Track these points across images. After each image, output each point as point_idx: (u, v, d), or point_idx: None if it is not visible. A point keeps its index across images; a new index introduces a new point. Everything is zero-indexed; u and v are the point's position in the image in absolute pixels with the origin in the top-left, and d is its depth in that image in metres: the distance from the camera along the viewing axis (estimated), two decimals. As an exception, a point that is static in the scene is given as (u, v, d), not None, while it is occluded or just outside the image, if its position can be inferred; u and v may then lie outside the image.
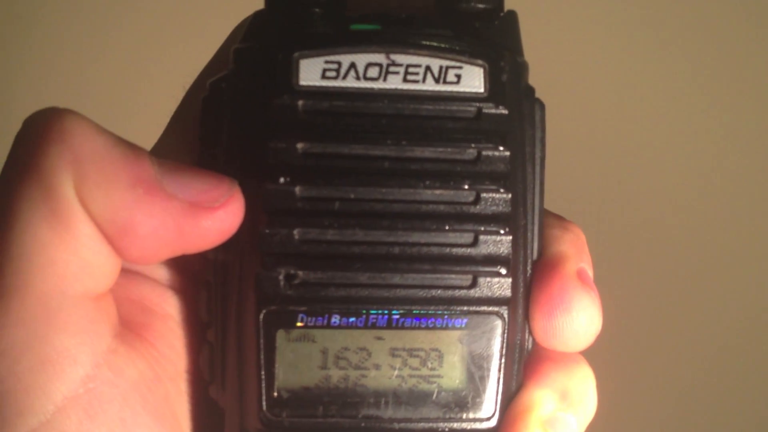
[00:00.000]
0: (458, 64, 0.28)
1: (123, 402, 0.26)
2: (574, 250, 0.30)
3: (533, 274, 0.30)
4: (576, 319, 0.29)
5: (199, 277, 0.29)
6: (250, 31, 0.29)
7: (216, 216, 0.27)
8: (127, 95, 0.73)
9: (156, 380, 0.28)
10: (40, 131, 0.25)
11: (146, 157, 0.26)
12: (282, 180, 0.27)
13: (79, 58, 0.75)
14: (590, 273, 0.29)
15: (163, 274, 0.30)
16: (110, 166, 0.25)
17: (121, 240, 0.25)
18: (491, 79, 0.29)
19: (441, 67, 0.28)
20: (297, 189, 0.28)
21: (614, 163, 0.90)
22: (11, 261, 0.24)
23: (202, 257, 0.29)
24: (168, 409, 0.28)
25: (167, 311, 0.29)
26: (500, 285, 0.28)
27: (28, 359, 0.24)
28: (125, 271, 0.28)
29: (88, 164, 0.25)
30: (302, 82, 0.28)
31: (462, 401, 0.29)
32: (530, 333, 0.30)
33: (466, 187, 0.28)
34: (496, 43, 0.29)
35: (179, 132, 0.30)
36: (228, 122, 0.28)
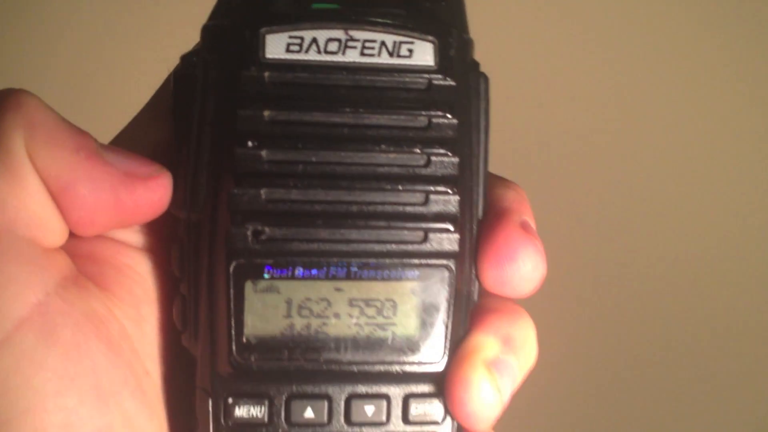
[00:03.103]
0: (410, 39, 0.32)
1: (76, 329, 0.29)
2: (517, 206, 0.33)
3: (480, 229, 0.33)
4: (522, 266, 0.32)
5: (171, 237, 0.32)
6: (217, 9, 0.33)
7: (148, 186, 0.31)
8: (112, 82, 0.75)
9: (111, 318, 0.31)
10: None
11: (88, 134, 0.30)
12: (250, 144, 0.31)
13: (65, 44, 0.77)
14: (533, 225, 0.33)
15: (133, 237, 0.33)
16: (57, 132, 0.29)
17: (64, 196, 0.29)
18: (440, 53, 0.32)
19: (395, 42, 0.31)
20: (264, 153, 0.31)
21: (601, 159, 0.91)
22: None
23: (175, 219, 0.32)
24: (126, 345, 0.31)
25: (130, 266, 0.33)
26: (449, 240, 0.32)
27: None
28: (99, 236, 0.32)
29: (37, 128, 0.29)
30: (268, 56, 0.31)
31: (414, 346, 0.32)
32: (478, 284, 0.33)
33: (418, 151, 0.31)
34: (445, 21, 0.33)
35: (153, 106, 0.34)
36: (200, 93, 0.31)
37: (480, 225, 0.33)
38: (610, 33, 0.88)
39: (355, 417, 0.32)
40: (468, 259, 0.33)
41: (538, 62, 0.86)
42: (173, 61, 0.32)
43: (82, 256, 0.31)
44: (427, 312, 0.32)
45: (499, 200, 0.33)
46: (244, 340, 0.31)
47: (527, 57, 0.86)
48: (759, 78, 0.89)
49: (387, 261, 0.32)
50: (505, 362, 0.32)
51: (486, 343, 0.32)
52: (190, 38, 0.34)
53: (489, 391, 0.32)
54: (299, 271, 0.31)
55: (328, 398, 0.32)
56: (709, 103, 0.89)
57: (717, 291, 0.94)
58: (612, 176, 0.91)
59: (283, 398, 0.32)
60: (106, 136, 0.33)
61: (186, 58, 0.32)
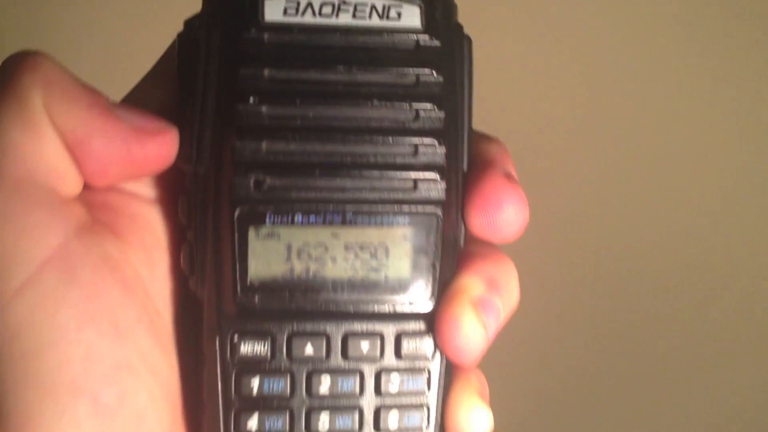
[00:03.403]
0: (398, 3, 0.34)
1: (93, 270, 0.32)
2: (500, 157, 0.36)
3: (468, 179, 0.35)
4: (507, 212, 0.35)
5: (178, 188, 0.35)
6: None
7: (157, 140, 0.33)
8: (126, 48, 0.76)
9: (124, 261, 0.33)
10: (17, 63, 0.31)
11: (101, 92, 0.33)
12: (251, 101, 0.33)
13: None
14: (515, 176, 0.36)
15: (143, 189, 0.36)
16: (72, 90, 0.32)
17: (79, 149, 0.32)
18: (427, 16, 0.34)
19: (384, 6, 0.34)
20: (264, 108, 0.33)
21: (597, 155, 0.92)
22: None
23: (181, 171, 0.35)
24: (139, 287, 0.34)
25: (141, 215, 0.35)
26: (436, 189, 0.34)
27: (9, 229, 0.30)
28: (113, 188, 0.34)
29: (54, 87, 0.31)
30: (267, 19, 0.33)
31: (405, 288, 0.35)
32: (464, 230, 0.36)
33: (407, 106, 0.34)
34: None
35: (159, 68, 0.36)
36: (203, 54, 0.34)
37: (467, 176, 0.36)
38: (607, 29, 0.88)
39: (352, 353, 0.35)
40: (454, 207, 0.35)
41: (537, 59, 0.88)
42: (177, 26, 0.35)
43: (96, 206, 0.34)
44: (417, 256, 0.35)
45: (483, 153, 0.36)
46: (248, 282, 0.34)
47: (526, 54, 0.88)
48: (755, 76, 0.90)
49: (379, 208, 0.34)
50: (489, 302, 0.35)
51: (472, 284, 0.35)
52: (193, 5, 0.36)
53: (475, 327, 0.34)
54: (298, 217, 0.34)
55: (326, 336, 0.35)
56: (706, 100, 0.90)
57: (706, 266, 0.96)
58: (606, 167, 0.92)
59: (285, 336, 0.34)
60: (116, 96, 0.35)
61: (189, 23, 0.34)
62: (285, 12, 0.34)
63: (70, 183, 0.32)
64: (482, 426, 0.36)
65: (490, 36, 0.82)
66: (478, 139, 0.37)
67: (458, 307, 0.35)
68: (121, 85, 0.37)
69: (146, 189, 0.35)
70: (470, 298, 0.35)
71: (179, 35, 0.35)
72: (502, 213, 0.35)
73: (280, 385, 0.35)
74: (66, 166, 0.32)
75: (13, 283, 0.30)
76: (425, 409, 0.36)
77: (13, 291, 0.30)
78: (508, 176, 0.35)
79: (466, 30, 0.36)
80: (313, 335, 0.35)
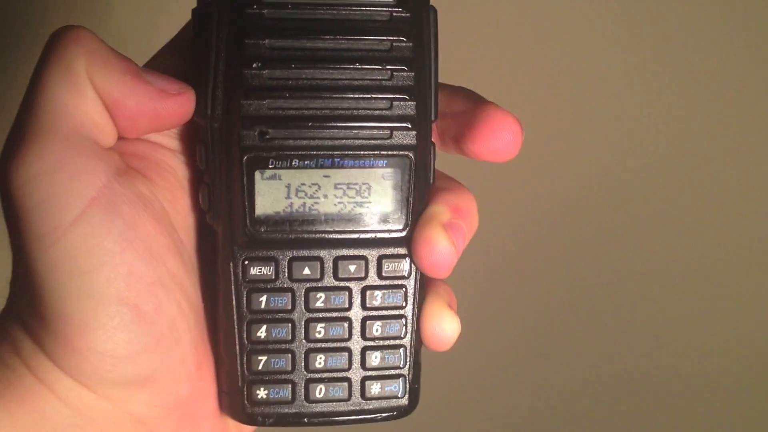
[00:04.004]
0: None
1: (131, 205, 0.38)
2: (477, 96, 0.43)
3: (460, 117, 0.42)
4: (508, 133, 0.41)
5: (196, 139, 0.41)
6: None
7: (178, 99, 0.39)
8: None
9: (154, 199, 0.39)
10: (64, 36, 0.37)
11: (131, 60, 0.39)
12: (254, 66, 0.39)
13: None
14: None
15: (166, 140, 0.42)
16: (109, 59, 0.38)
17: (115, 107, 0.38)
18: None
19: None
20: (265, 72, 0.39)
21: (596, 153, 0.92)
22: (45, 113, 0.37)
23: (197, 125, 0.41)
24: (166, 219, 0.40)
25: (165, 161, 0.41)
26: (408, 136, 0.40)
27: (63, 173, 0.36)
28: (141, 140, 0.41)
29: (95, 55, 0.37)
30: None
31: (385, 218, 0.42)
32: (433, 170, 0.42)
33: (383, 68, 0.40)
34: None
35: (178, 39, 0.42)
36: (215, 27, 0.39)
37: (461, 114, 0.42)
38: (606, 27, 0.88)
39: (341, 274, 0.42)
40: (424, 150, 0.41)
41: (535, 57, 0.88)
42: (192, 3, 0.41)
43: (128, 154, 0.40)
44: (394, 191, 0.41)
45: (466, 95, 0.43)
46: (255, 216, 0.40)
47: (525, 52, 0.88)
48: (750, 75, 0.90)
49: (362, 153, 0.41)
50: (456, 224, 0.42)
51: (441, 211, 0.42)
52: None
53: (446, 245, 0.41)
54: (295, 162, 0.40)
55: (320, 260, 0.42)
56: (704, 97, 0.91)
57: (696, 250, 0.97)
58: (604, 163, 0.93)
59: (286, 260, 0.41)
60: (141, 60, 0.42)
61: (201, 0, 0.40)
62: None
63: (108, 135, 0.38)
64: (450, 330, 0.43)
65: (486, 30, 0.84)
66: (452, 89, 0.43)
67: (431, 230, 0.41)
68: (144, 52, 0.43)
69: (169, 140, 0.42)
70: (440, 222, 0.41)
71: (193, 10, 0.41)
72: (503, 134, 0.41)
73: (283, 301, 0.42)
74: (105, 121, 0.38)
75: (69, 216, 0.36)
76: (403, 319, 0.43)
77: (69, 222, 0.36)
78: (499, 106, 0.42)
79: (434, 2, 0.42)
80: (309, 259, 0.41)
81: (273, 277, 0.41)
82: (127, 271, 0.37)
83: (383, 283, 0.42)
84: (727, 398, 1.00)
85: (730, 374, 1.00)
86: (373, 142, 0.41)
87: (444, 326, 0.43)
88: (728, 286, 0.97)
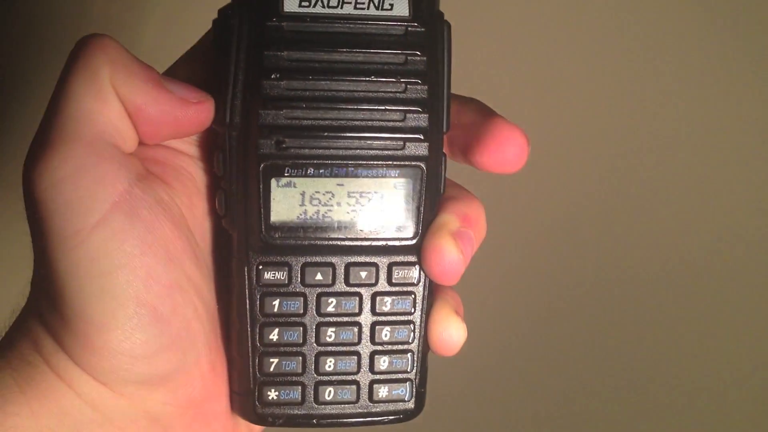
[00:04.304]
0: None
1: (150, 210, 0.39)
2: (488, 109, 0.44)
3: (469, 129, 0.43)
4: (514, 147, 0.42)
5: (214, 146, 0.42)
6: None
7: (198, 108, 0.40)
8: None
9: (172, 203, 0.41)
10: (89, 44, 0.39)
11: (154, 68, 0.40)
12: (273, 77, 0.40)
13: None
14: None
15: (185, 147, 0.43)
16: (132, 67, 0.39)
17: (137, 115, 0.39)
18: (414, 6, 0.41)
19: None
20: (284, 83, 0.40)
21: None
22: (69, 119, 0.38)
23: (216, 133, 0.42)
24: (183, 224, 0.41)
25: (184, 167, 0.43)
26: (421, 147, 0.42)
27: (86, 178, 0.38)
28: (160, 146, 0.42)
29: (118, 64, 0.39)
30: (286, 10, 0.40)
31: (396, 226, 0.43)
32: (444, 179, 0.43)
33: (397, 81, 0.41)
34: None
35: (198, 48, 0.44)
36: (235, 39, 0.41)
37: (470, 126, 0.43)
38: (604, 27, 0.89)
39: (353, 280, 0.43)
40: (435, 161, 0.42)
41: (534, 58, 0.89)
42: (212, 14, 0.42)
43: (148, 160, 0.41)
44: (405, 201, 0.43)
45: (476, 107, 0.44)
46: (271, 222, 0.42)
47: (523, 52, 0.89)
48: (745, 74, 0.90)
49: (375, 163, 0.42)
50: (464, 233, 0.43)
51: (450, 219, 0.43)
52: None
53: (455, 253, 0.42)
54: (311, 170, 0.41)
55: (332, 266, 0.43)
56: (702, 95, 0.91)
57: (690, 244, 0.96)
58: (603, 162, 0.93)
59: (299, 265, 0.42)
60: (161, 68, 0.43)
61: (222, 11, 0.42)
62: (300, 4, 0.41)
63: (130, 141, 0.40)
64: (457, 336, 0.44)
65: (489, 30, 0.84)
66: (463, 100, 0.44)
67: (441, 239, 0.43)
68: (164, 62, 0.44)
69: (188, 147, 0.43)
70: (449, 231, 0.43)
71: (214, 21, 0.42)
72: (509, 148, 0.42)
73: (296, 305, 0.43)
74: (127, 127, 0.39)
75: (92, 219, 0.37)
76: (412, 325, 0.44)
77: (92, 225, 0.37)
78: (507, 120, 0.43)
79: (447, 17, 0.43)
80: (321, 265, 0.43)
81: (286, 282, 0.43)
82: (145, 273, 0.39)
83: (393, 289, 0.44)
84: (729, 401, 1.01)
85: (731, 377, 1.01)
86: (386, 152, 0.42)
87: (451, 332, 0.44)
88: (731, 290, 0.98)
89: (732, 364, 1.00)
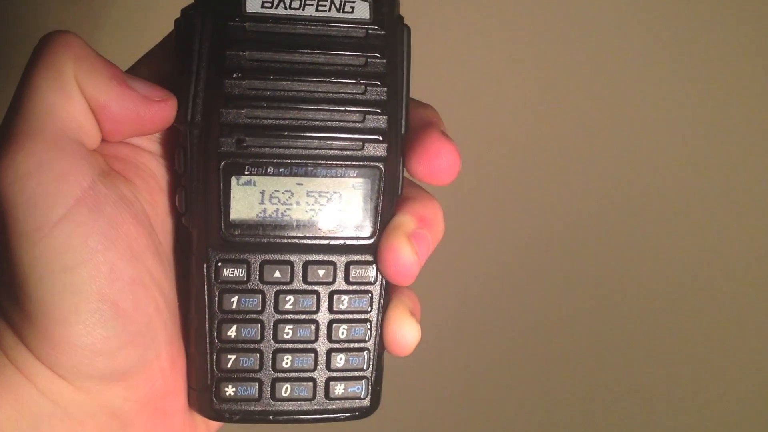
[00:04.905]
0: None
1: (114, 206, 0.40)
2: (436, 120, 0.45)
3: (412, 137, 0.43)
4: (443, 160, 0.43)
5: (175, 144, 0.43)
6: None
7: (160, 105, 0.41)
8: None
9: (135, 200, 0.41)
10: (53, 41, 0.39)
11: (117, 66, 0.41)
12: (235, 76, 0.41)
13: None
14: (447, 133, 0.44)
15: (147, 144, 0.44)
16: (96, 64, 0.40)
17: (101, 111, 0.40)
18: (374, 10, 0.42)
19: (341, 1, 0.42)
20: (245, 82, 0.41)
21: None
22: (34, 115, 0.38)
23: (177, 130, 0.42)
24: (146, 220, 0.42)
25: (145, 164, 0.43)
26: (379, 148, 0.43)
27: (50, 173, 0.38)
28: (123, 143, 0.43)
29: (83, 61, 0.39)
30: (248, 10, 0.41)
31: (354, 226, 0.44)
32: (401, 180, 0.44)
33: (357, 82, 0.42)
34: None
35: (161, 47, 0.44)
36: (197, 38, 0.41)
37: (411, 135, 0.44)
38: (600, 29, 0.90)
39: (310, 278, 0.44)
40: (393, 162, 0.43)
41: (532, 60, 0.90)
42: (175, 14, 0.43)
43: (110, 156, 0.42)
44: (364, 200, 0.44)
45: (422, 116, 0.45)
46: (230, 220, 0.42)
47: (522, 53, 0.90)
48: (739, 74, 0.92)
49: (334, 163, 0.43)
50: (420, 234, 0.44)
51: (406, 220, 0.44)
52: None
53: (409, 254, 0.43)
54: (270, 169, 0.42)
55: (291, 264, 0.44)
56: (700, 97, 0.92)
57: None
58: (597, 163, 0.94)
59: (258, 263, 0.43)
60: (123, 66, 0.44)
61: (185, 11, 0.42)
62: (262, 5, 0.42)
63: (93, 137, 0.40)
64: (411, 336, 0.45)
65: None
66: (417, 105, 0.46)
67: (396, 239, 0.44)
68: (126, 58, 0.45)
69: (149, 144, 0.44)
70: (405, 231, 0.44)
71: (176, 21, 0.42)
72: (440, 161, 0.43)
73: (254, 302, 0.44)
74: (90, 124, 0.40)
75: (55, 215, 0.38)
76: (368, 323, 0.45)
77: (55, 220, 0.38)
78: (444, 133, 0.44)
79: (407, 21, 0.44)
80: (280, 263, 0.44)
81: (244, 279, 0.43)
82: (108, 269, 0.39)
83: (350, 288, 0.45)
84: (727, 401, 1.02)
85: (732, 380, 1.02)
86: (345, 152, 0.43)
87: (404, 332, 0.45)
88: (732, 293, 0.99)
89: (731, 365, 1.01)
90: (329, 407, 0.45)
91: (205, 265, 0.43)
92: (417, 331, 0.45)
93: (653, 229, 0.96)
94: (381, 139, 0.43)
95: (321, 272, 0.44)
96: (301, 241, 0.44)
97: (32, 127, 0.38)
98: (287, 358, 0.44)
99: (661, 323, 0.99)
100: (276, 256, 0.44)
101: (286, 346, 0.44)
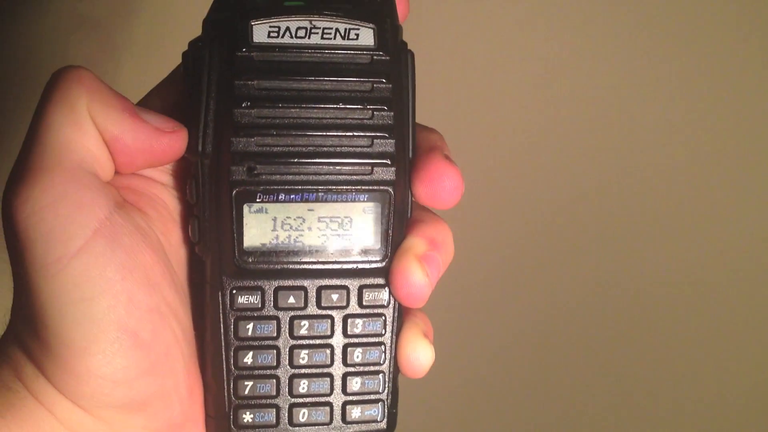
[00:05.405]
0: (357, 26, 0.43)
1: (130, 236, 0.41)
2: (440, 144, 0.45)
3: (416, 161, 0.44)
4: (446, 184, 0.44)
5: (186, 174, 0.44)
6: (215, 6, 0.44)
7: (172, 136, 0.42)
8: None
9: (150, 231, 0.42)
10: (66, 76, 0.40)
11: (130, 100, 0.42)
12: (244, 105, 0.42)
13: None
14: (451, 157, 0.45)
15: (158, 176, 0.44)
16: (109, 98, 0.41)
17: (114, 143, 0.40)
18: (379, 36, 0.43)
19: (346, 29, 0.43)
20: (254, 111, 0.42)
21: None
22: (50, 148, 0.39)
23: (188, 161, 0.43)
24: (161, 249, 0.43)
25: (158, 195, 0.44)
26: (388, 172, 0.43)
27: (67, 205, 0.39)
28: (135, 175, 0.43)
29: (95, 95, 0.40)
30: (255, 40, 0.42)
31: (366, 249, 0.44)
32: (411, 203, 0.45)
33: (364, 108, 0.43)
34: (381, 12, 0.44)
35: (170, 79, 0.45)
36: (206, 69, 0.42)
37: (415, 158, 0.45)
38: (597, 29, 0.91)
39: (324, 302, 0.44)
40: (402, 185, 0.44)
41: (531, 61, 0.91)
42: (182, 46, 0.44)
43: (123, 188, 0.42)
44: (374, 224, 0.44)
45: (427, 141, 0.45)
46: (244, 247, 0.43)
47: (521, 55, 0.91)
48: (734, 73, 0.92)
49: (345, 188, 0.43)
50: (431, 256, 0.44)
51: (417, 243, 0.45)
52: (193, 30, 0.45)
53: (420, 276, 0.44)
54: (281, 196, 0.43)
55: (304, 289, 0.44)
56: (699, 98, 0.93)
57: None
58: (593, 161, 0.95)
59: (272, 289, 0.44)
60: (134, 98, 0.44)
61: (193, 43, 0.43)
62: (269, 35, 0.43)
63: (107, 170, 0.41)
64: (425, 358, 0.45)
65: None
66: (422, 130, 0.46)
67: (406, 262, 0.44)
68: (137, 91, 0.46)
69: (161, 175, 0.44)
70: (415, 254, 0.44)
71: (184, 54, 0.43)
72: (443, 185, 0.44)
73: (269, 328, 0.44)
74: (105, 156, 0.40)
75: (73, 247, 0.39)
76: (383, 346, 0.45)
77: (74, 252, 0.38)
78: (447, 157, 0.45)
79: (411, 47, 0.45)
80: (293, 289, 0.44)
81: (259, 306, 0.44)
82: (126, 298, 0.40)
83: (364, 311, 0.45)
84: (730, 404, 1.03)
85: (732, 380, 1.02)
86: (354, 177, 0.43)
87: (418, 355, 0.45)
88: (732, 293, 0.99)
89: (731, 365, 1.02)
90: (346, 431, 0.46)
91: (219, 293, 0.44)
92: (431, 353, 0.46)
93: (652, 229, 0.97)
94: (389, 162, 0.44)
95: (334, 297, 0.45)
96: (314, 267, 0.44)
97: (48, 160, 0.39)
98: (304, 383, 0.45)
99: (660, 323, 1.01)
100: (290, 282, 0.44)
101: (302, 371, 0.45)
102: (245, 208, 0.43)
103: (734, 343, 1.01)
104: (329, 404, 0.45)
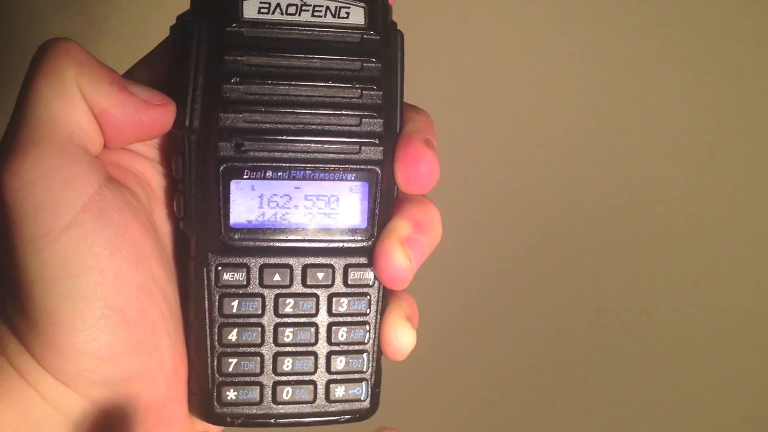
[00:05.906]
0: (347, 4, 0.43)
1: (120, 212, 0.40)
2: (423, 127, 0.45)
3: (397, 143, 0.44)
4: (422, 169, 0.44)
5: (172, 149, 0.44)
6: None
7: (160, 109, 0.42)
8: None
9: (138, 206, 0.42)
10: (53, 48, 0.40)
11: (117, 72, 0.41)
12: (233, 81, 0.42)
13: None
14: (434, 142, 0.45)
15: (145, 150, 0.44)
16: (97, 70, 0.40)
17: (103, 117, 0.40)
18: (369, 15, 0.43)
19: (336, 7, 0.43)
20: (243, 87, 0.42)
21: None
22: (39, 122, 0.39)
23: (175, 136, 0.43)
24: (149, 225, 0.42)
25: (144, 170, 0.44)
26: (376, 151, 0.44)
27: (56, 180, 0.38)
28: (122, 149, 0.43)
29: (84, 67, 0.40)
30: (245, 16, 0.42)
31: (352, 228, 0.44)
32: (395, 182, 0.45)
33: (353, 86, 0.43)
34: None
35: (157, 52, 0.45)
36: (195, 44, 0.42)
37: (397, 140, 0.45)
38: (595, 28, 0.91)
39: (309, 281, 0.45)
40: (390, 165, 0.44)
41: (529, 61, 0.91)
42: (171, 20, 0.44)
43: (110, 163, 0.42)
44: (361, 203, 0.44)
45: (410, 122, 0.46)
46: (230, 224, 0.43)
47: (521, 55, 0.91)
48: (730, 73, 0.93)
49: (332, 166, 0.43)
50: (414, 239, 0.45)
51: (401, 225, 0.45)
52: (180, 3, 0.44)
53: (402, 260, 0.44)
54: (269, 173, 0.43)
55: (290, 267, 0.44)
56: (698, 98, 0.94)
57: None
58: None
59: (258, 267, 0.44)
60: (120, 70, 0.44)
61: (181, 17, 0.43)
62: (259, 11, 0.42)
63: (96, 144, 0.41)
64: (406, 341, 0.46)
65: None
66: (410, 110, 0.46)
67: (389, 244, 0.44)
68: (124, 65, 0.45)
69: (147, 150, 0.44)
70: (399, 237, 0.45)
71: (172, 27, 0.43)
72: (418, 169, 0.44)
73: (254, 306, 0.44)
74: (94, 129, 0.40)
75: (62, 221, 0.38)
76: (367, 326, 0.46)
77: (62, 227, 0.38)
78: (427, 142, 0.45)
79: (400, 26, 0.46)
80: (279, 266, 0.44)
81: (244, 283, 0.44)
82: (114, 275, 0.40)
83: (349, 290, 0.46)
84: (730, 404, 1.03)
85: (733, 380, 1.03)
86: (342, 156, 0.44)
87: (399, 337, 0.46)
88: (732, 293, 1.00)
89: (731, 365, 1.02)
90: (330, 409, 0.46)
91: (204, 270, 0.44)
92: (412, 337, 0.46)
93: (652, 230, 0.98)
94: (377, 142, 0.44)
95: (320, 275, 0.45)
96: (300, 245, 0.44)
97: (37, 134, 0.39)
98: (288, 361, 0.45)
99: (660, 323, 1.01)
100: (275, 260, 0.44)
101: (287, 349, 0.45)
102: (232, 184, 0.43)
103: (737, 348, 1.02)
104: (313, 383, 0.45)
